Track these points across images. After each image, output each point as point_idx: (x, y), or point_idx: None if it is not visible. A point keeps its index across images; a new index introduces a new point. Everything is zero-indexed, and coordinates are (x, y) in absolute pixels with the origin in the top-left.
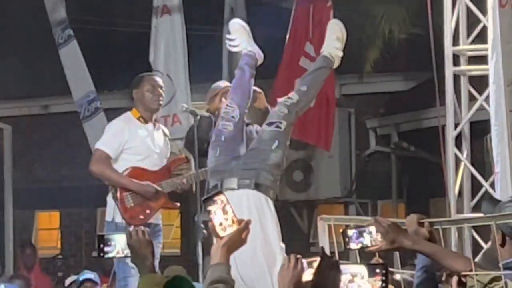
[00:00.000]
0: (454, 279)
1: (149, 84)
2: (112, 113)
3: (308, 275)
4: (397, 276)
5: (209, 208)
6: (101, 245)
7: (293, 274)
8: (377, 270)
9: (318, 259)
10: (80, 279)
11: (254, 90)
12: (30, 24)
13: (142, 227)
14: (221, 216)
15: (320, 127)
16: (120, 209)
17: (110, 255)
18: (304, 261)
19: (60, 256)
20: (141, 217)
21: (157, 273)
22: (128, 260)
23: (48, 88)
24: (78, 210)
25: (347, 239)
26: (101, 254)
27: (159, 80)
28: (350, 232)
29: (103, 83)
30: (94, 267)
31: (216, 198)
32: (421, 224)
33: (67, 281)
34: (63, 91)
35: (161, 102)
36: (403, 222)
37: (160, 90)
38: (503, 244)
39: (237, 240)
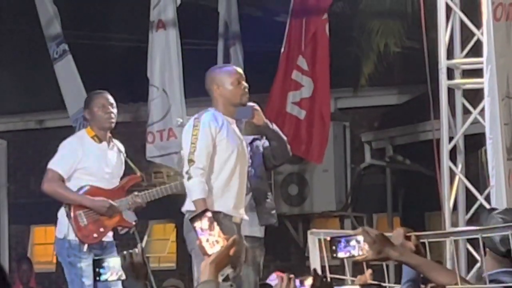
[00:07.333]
0: None
1: (99, 103)
2: None
3: None
4: None
5: (195, 225)
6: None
7: None
8: None
9: (310, 278)
10: None
11: (252, 107)
12: (25, 39)
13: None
14: (208, 233)
15: (311, 141)
16: (74, 227)
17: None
18: (297, 280)
19: None
20: (95, 235)
21: None
22: None
23: (43, 103)
24: None
25: (334, 248)
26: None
27: (110, 97)
28: (338, 241)
29: None
30: None
31: (202, 215)
32: (407, 238)
33: None
34: (58, 106)
35: (112, 121)
36: (391, 235)
37: (111, 108)
38: (485, 254)
39: (225, 257)
